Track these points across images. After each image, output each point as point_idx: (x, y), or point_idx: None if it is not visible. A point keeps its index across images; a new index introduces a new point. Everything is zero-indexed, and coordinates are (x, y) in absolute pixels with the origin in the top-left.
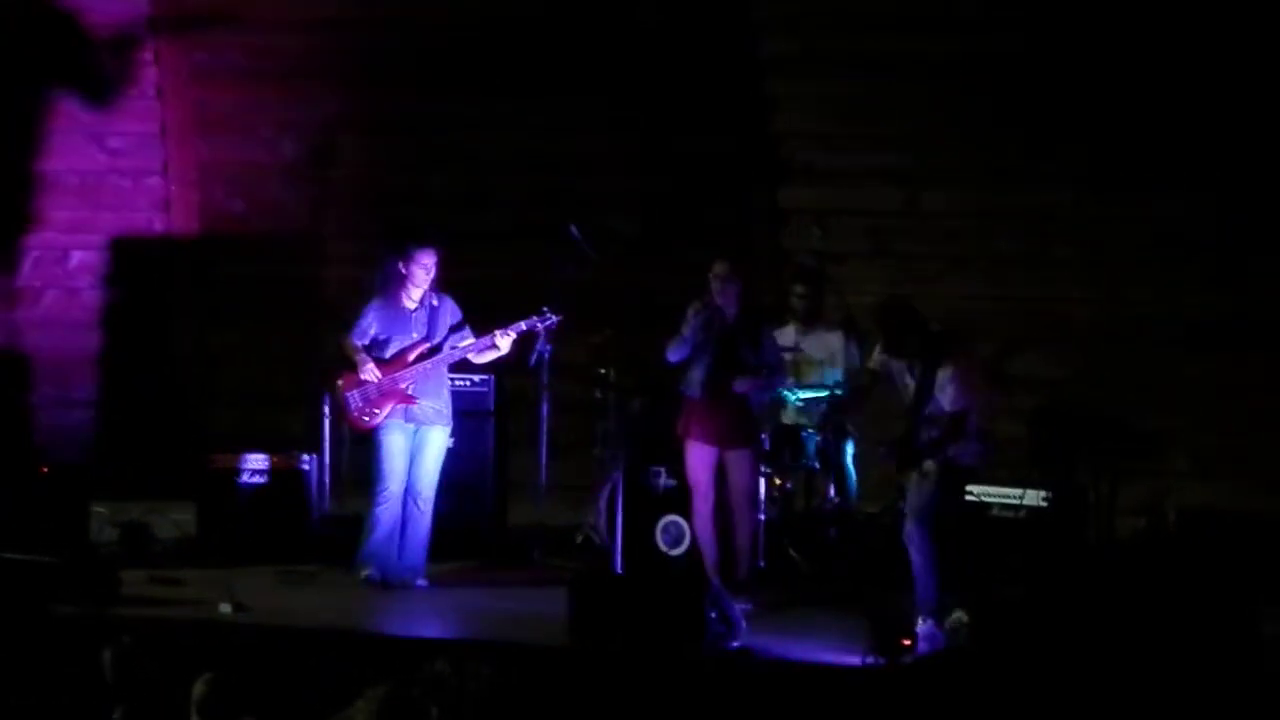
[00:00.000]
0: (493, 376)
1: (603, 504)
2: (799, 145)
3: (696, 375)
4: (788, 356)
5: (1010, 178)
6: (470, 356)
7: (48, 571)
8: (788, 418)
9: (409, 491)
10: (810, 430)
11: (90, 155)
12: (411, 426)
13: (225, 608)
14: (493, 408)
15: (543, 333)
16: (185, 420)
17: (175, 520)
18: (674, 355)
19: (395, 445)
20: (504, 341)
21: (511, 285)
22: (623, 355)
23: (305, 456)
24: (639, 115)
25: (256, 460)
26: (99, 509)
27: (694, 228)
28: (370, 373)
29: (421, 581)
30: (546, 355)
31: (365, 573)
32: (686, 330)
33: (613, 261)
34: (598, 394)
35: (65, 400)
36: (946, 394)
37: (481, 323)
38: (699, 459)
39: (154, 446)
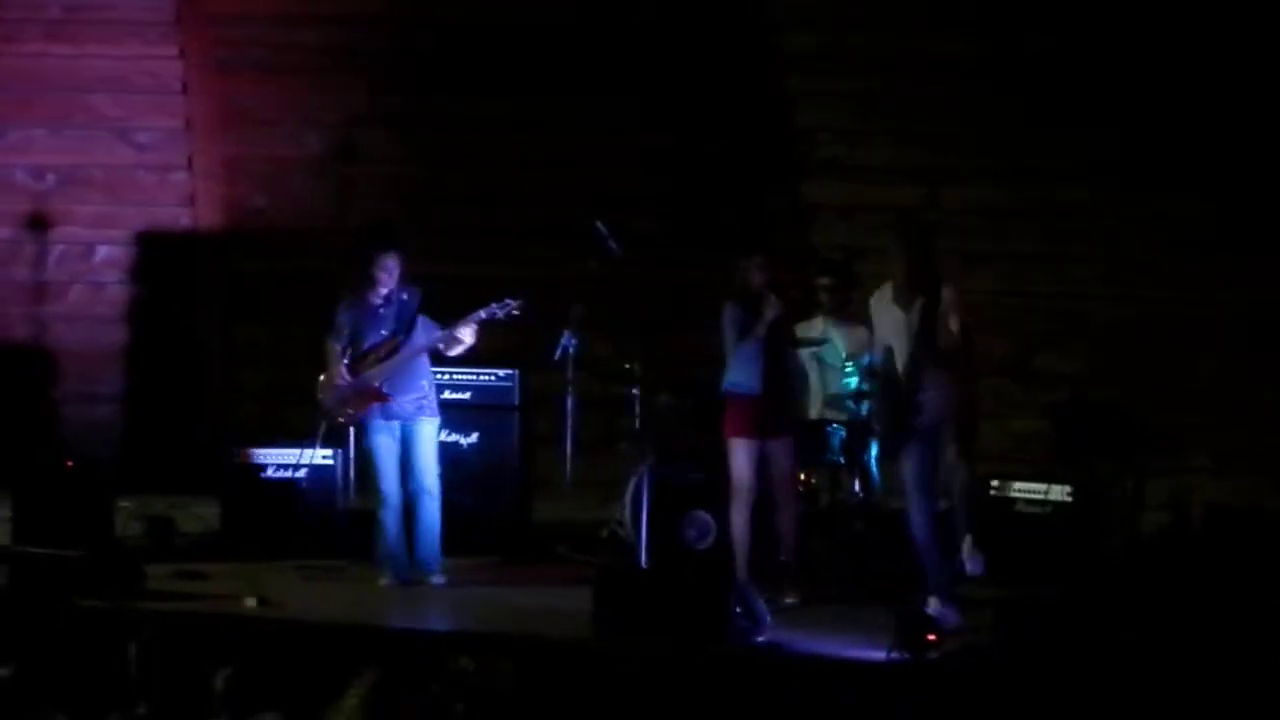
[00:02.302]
0: (517, 372)
1: (628, 498)
2: (820, 141)
3: (754, 369)
4: (814, 350)
5: (1029, 175)
6: (441, 349)
7: (73, 565)
8: (813, 412)
9: (411, 488)
10: (835, 425)
11: (116, 150)
12: (395, 424)
13: (250, 602)
14: (517, 403)
15: (503, 319)
16: (209, 414)
17: (199, 514)
18: (745, 353)
19: (383, 447)
20: (465, 332)
21: (532, 282)
22: (648, 350)
23: (329, 451)
24: (659, 112)
25: (281, 455)
26: (124, 503)
27: (715, 224)
28: (341, 375)
29: (438, 578)
30: (572, 350)
31: (383, 582)
32: (757, 328)
33: (635, 258)
34: (623, 388)
35: (90, 395)
36: (950, 320)
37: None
38: (745, 456)
39: (179, 441)
